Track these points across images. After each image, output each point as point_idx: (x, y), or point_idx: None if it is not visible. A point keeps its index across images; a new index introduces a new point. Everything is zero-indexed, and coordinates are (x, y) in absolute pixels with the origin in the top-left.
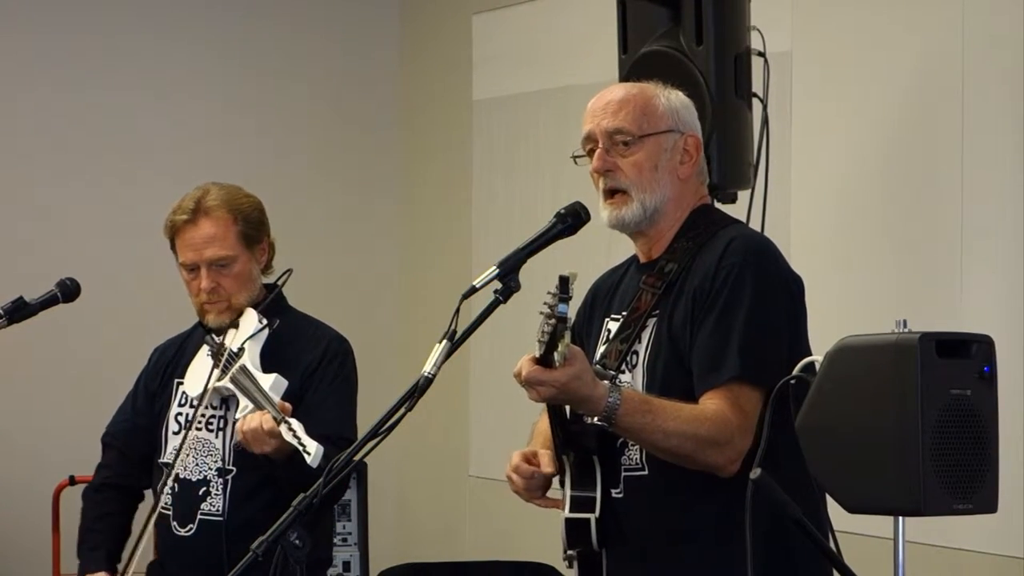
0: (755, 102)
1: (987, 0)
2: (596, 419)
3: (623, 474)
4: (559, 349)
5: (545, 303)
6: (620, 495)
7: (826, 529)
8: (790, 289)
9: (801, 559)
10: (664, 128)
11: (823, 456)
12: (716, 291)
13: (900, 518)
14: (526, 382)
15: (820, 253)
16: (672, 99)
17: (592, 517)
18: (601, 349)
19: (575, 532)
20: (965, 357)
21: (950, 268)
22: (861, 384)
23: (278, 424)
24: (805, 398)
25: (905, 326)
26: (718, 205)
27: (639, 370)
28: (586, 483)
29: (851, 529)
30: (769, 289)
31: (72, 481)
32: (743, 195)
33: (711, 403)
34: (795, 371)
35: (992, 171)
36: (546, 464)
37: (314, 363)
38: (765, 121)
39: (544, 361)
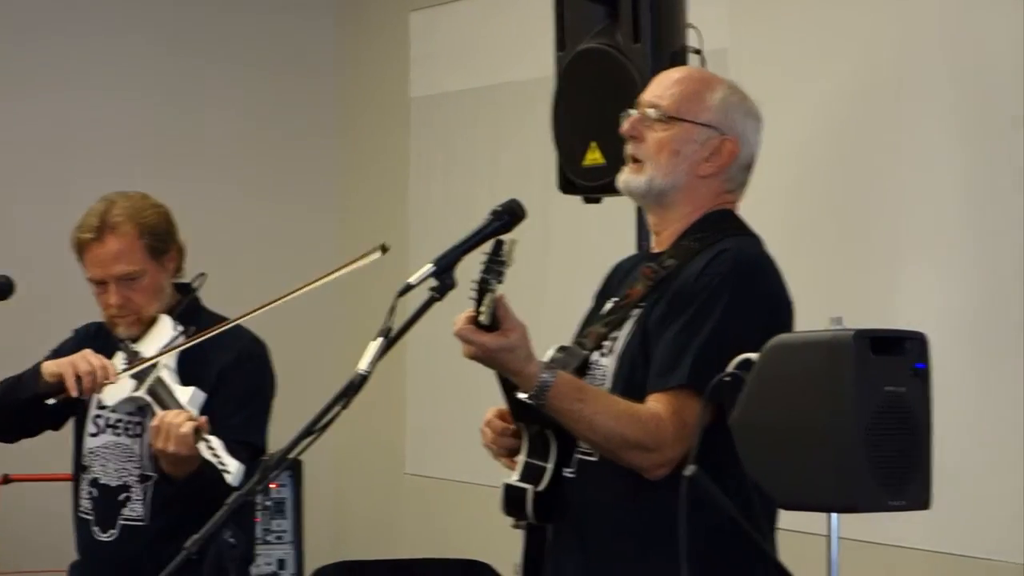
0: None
1: (930, 2)
2: (526, 396)
3: (577, 455)
4: (482, 310)
5: (480, 263)
6: (572, 475)
7: (763, 527)
8: (770, 311)
9: (736, 557)
10: (703, 121)
11: (758, 453)
12: (692, 297)
13: (834, 515)
14: (456, 335)
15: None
16: (731, 100)
17: (531, 489)
18: (585, 329)
19: (511, 501)
20: (899, 354)
21: (886, 265)
22: (796, 381)
23: (196, 442)
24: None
25: (840, 323)
26: None
27: (614, 357)
28: (542, 454)
29: (786, 526)
30: (745, 306)
31: (6, 480)
32: None
33: (652, 406)
34: (730, 368)
35: (929, 169)
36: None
37: (228, 366)
38: None
39: (479, 320)
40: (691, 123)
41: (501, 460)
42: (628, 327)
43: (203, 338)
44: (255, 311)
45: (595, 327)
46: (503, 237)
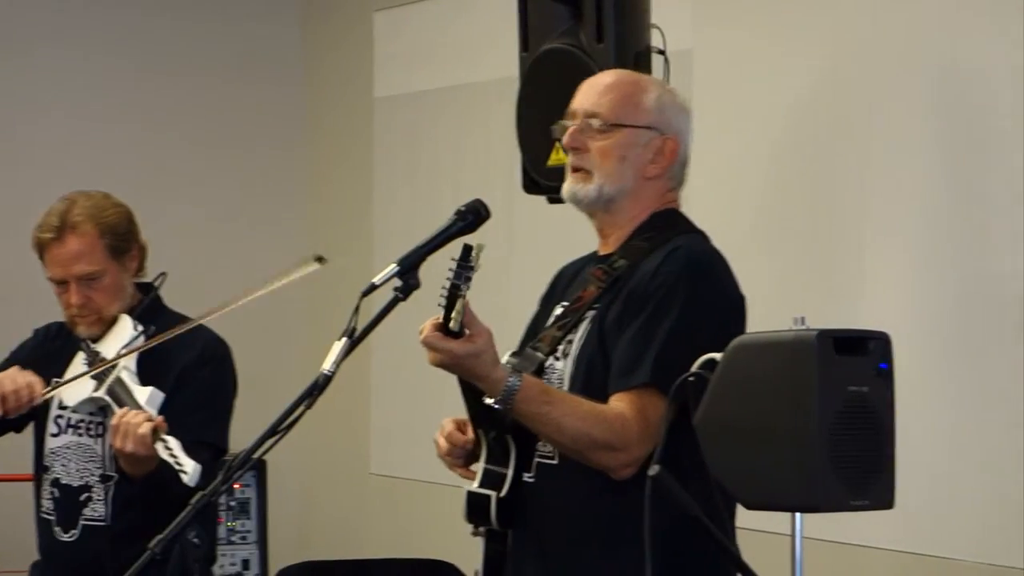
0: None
1: (892, 3)
2: (492, 402)
3: (536, 459)
4: (453, 316)
5: (449, 269)
6: (532, 479)
7: (727, 527)
8: (726, 308)
9: (700, 557)
10: (642, 124)
11: (721, 453)
12: (648, 296)
13: (797, 514)
14: (423, 343)
15: (720, 250)
16: (665, 99)
17: (494, 495)
18: (541, 334)
19: (475, 507)
20: (862, 354)
21: (849, 265)
22: (759, 381)
23: (154, 442)
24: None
25: (803, 323)
26: None
27: (570, 360)
28: (502, 460)
29: (751, 526)
30: (701, 304)
31: None
32: None
33: (616, 406)
34: (694, 368)
35: (893, 169)
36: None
37: (189, 365)
38: None
39: (446, 326)
40: (632, 127)
41: (456, 471)
42: (583, 329)
43: (161, 339)
44: (200, 319)
45: (549, 331)
46: (471, 242)
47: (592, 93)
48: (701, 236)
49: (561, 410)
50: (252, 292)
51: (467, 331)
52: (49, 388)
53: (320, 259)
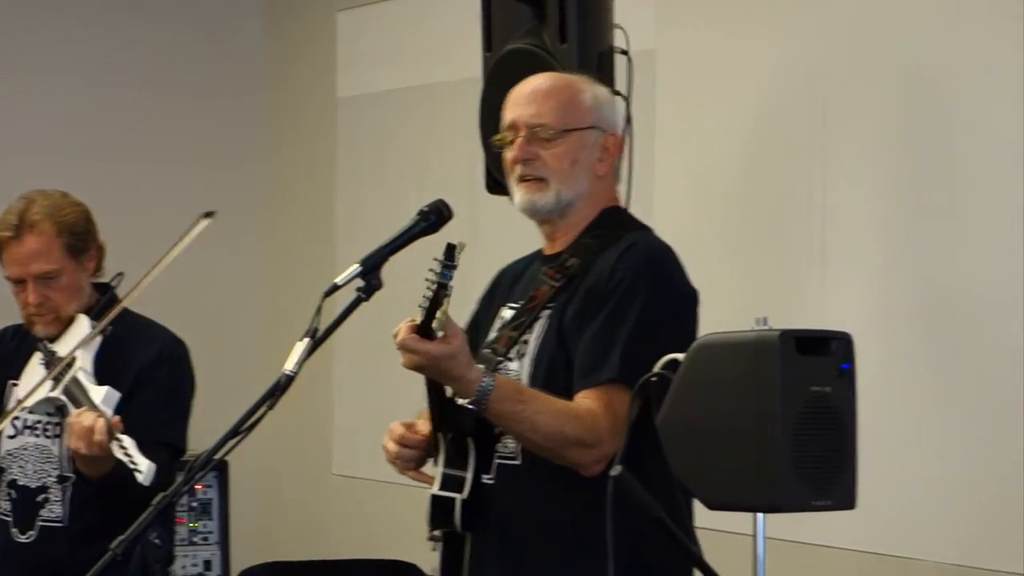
0: (619, 100)
1: (855, 3)
2: (467, 402)
3: (496, 460)
4: (438, 316)
5: (430, 269)
6: (491, 481)
7: (689, 527)
8: (683, 302)
9: (661, 557)
10: (587, 124)
11: (684, 453)
12: (608, 293)
13: (759, 515)
14: (400, 346)
15: (683, 250)
16: (599, 95)
17: (459, 497)
18: (493, 335)
19: (439, 511)
20: (825, 354)
21: (812, 265)
22: (722, 381)
23: (108, 441)
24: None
25: (766, 323)
26: None
27: (527, 360)
28: (459, 463)
29: (713, 526)
30: (661, 299)
31: None
32: None
33: (585, 402)
34: (657, 368)
35: (856, 170)
36: (424, 429)
37: (146, 365)
38: (628, 119)
39: (423, 328)
40: (579, 130)
41: (408, 474)
42: (539, 329)
43: (99, 328)
44: (124, 299)
45: (505, 331)
46: (454, 241)
47: (531, 102)
48: (650, 232)
49: (534, 408)
50: (160, 262)
51: (440, 332)
52: (12, 408)
53: (208, 214)
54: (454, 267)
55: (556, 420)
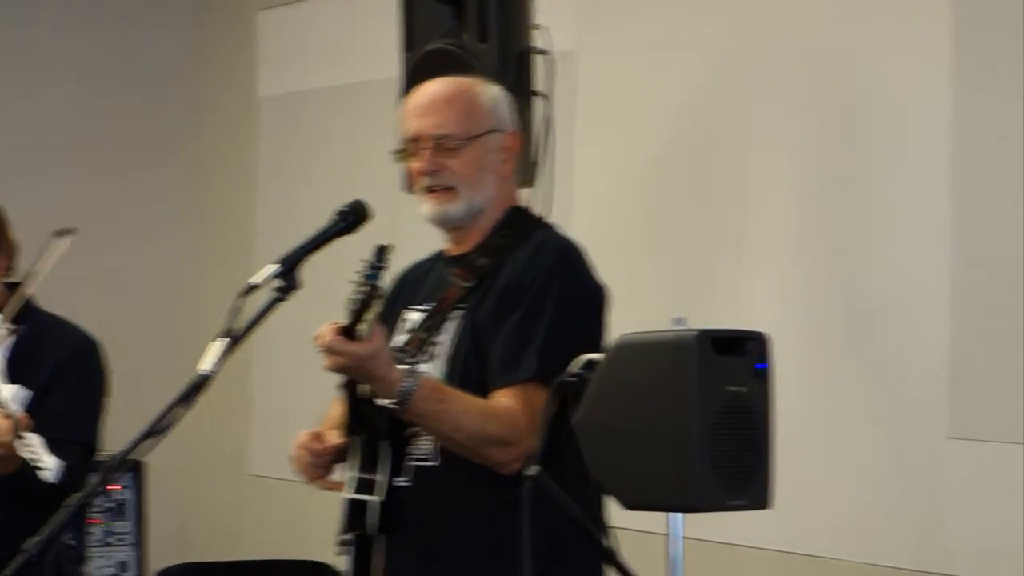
0: (539, 100)
1: (773, 4)
2: (389, 403)
3: (412, 463)
4: (366, 318)
5: (357, 271)
6: (407, 483)
7: (605, 527)
8: (594, 298)
9: (580, 557)
10: (488, 128)
11: (601, 454)
12: (522, 291)
13: (676, 514)
14: (326, 348)
15: (603, 249)
16: (495, 96)
17: (376, 500)
18: (400, 338)
19: (354, 514)
20: (741, 354)
21: (730, 265)
22: (639, 381)
23: (14, 439)
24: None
25: (683, 323)
26: None
27: (440, 361)
28: (373, 466)
29: (630, 525)
30: (575, 296)
31: None
32: (524, 192)
33: (503, 400)
34: (574, 369)
35: (772, 170)
36: (334, 438)
37: (59, 363)
38: (548, 119)
39: (347, 330)
40: (482, 135)
41: (315, 483)
42: (451, 330)
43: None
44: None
45: (416, 333)
46: (383, 243)
47: (432, 112)
48: (555, 229)
49: (456, 407)
50: (32, 281)
51: (365, 334)
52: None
53: (62, 232)
54: (383, 269)
55: (477, 419)
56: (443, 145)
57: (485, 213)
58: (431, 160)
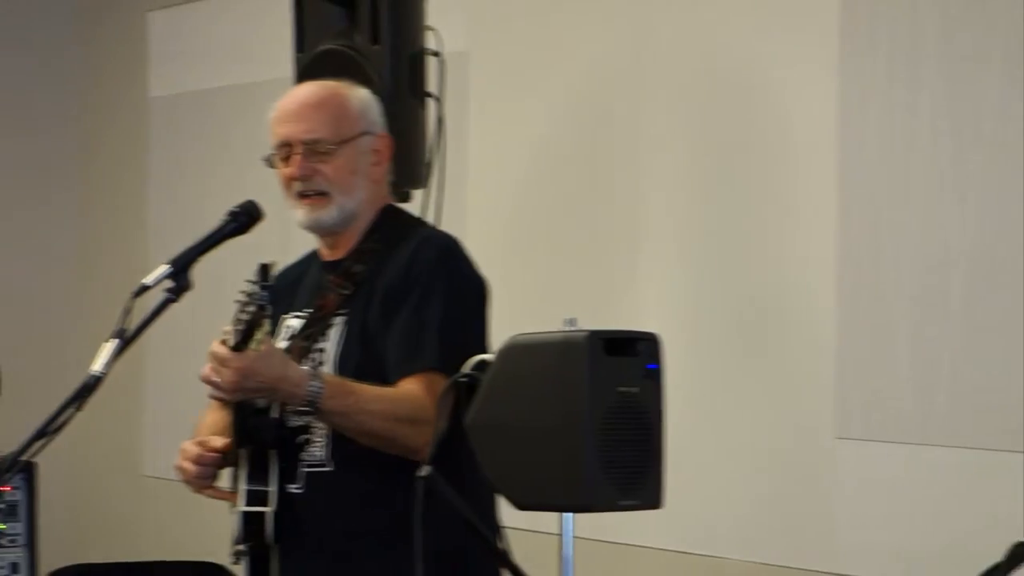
0: (432, 102)
1: (663, 5)
2: (300, 405)
3: (304, 470)
4: (257, 336)
5: (242, 291)
6: (300, 491)
7: (498, 527)
8: (479, 291)
9: (473, 558)
10: (359, 132)
11: (493, 454)
12: (409, 287)
13: (567, 514)
14: (216, 361)
15: (496, 251)
16: (364, 99)
17: (268, 511)
18: (282, 346)
19: (249, 526)
20: (632, 355)
21: (623, 265)
22: (530, 382)
23: None
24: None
25: (574, 324)
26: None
27: (327, 368)
28: (262, 477)
29: (521, 525)
30: (462, 288)
31: None
32: (417, 193)
33: (406, 385)
34: (467, 369)
35: (665, 169)
36: (217, 444)
37: None
38: (440, 121)
39: (237, 350)
40: (353, 139)
41: (204, 492)
42: (335, 336)
43: None
44: None
45: (295, 342)
46: (267, 261)
47: (302, 118)
48: (430, 226)
49: (366, 398)
50: None
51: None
52: None
53: None
54: (270, 286)
55: (387, 404)
56: (314, 150)
57: (358, 216)
58: (303, 165)
